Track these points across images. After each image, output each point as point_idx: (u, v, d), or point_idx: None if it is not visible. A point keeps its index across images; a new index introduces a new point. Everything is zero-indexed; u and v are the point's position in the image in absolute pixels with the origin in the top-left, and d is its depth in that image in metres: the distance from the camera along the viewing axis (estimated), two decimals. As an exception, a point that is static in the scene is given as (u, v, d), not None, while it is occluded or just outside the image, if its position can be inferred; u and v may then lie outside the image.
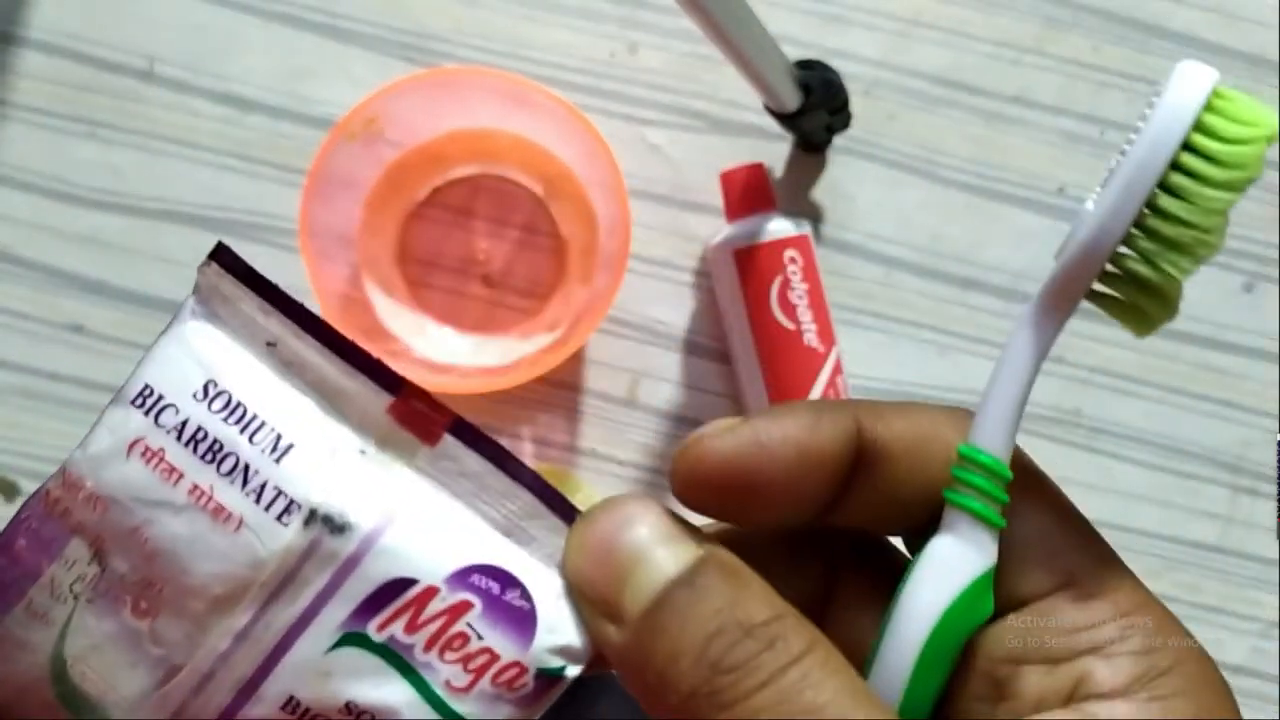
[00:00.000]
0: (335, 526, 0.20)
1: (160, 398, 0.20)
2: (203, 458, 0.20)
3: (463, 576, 0.20)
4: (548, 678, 0.20)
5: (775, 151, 0.53)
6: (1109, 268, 0.21)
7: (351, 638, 0.20)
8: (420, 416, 0.21)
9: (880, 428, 0.22)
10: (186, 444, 0.20)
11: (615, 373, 0.52)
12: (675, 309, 0.52)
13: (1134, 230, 0.20)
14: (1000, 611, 0.22)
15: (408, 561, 0.20)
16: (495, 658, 0.20)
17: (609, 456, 0.51)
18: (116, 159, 0.52)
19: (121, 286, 0.52)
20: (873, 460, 0.22)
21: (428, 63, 0.53)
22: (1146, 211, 0.20)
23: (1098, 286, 0.21)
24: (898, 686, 0.21)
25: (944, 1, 0.53)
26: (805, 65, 0.49)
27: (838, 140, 0.53)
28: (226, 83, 0.52)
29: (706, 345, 0.52)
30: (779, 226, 0.49)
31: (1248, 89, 0.53)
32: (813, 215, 0.52)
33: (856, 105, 0.51)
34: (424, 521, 0.20)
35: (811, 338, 0.49)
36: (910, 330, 0.52)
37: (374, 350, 0.48)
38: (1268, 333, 0.53)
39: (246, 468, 0.20)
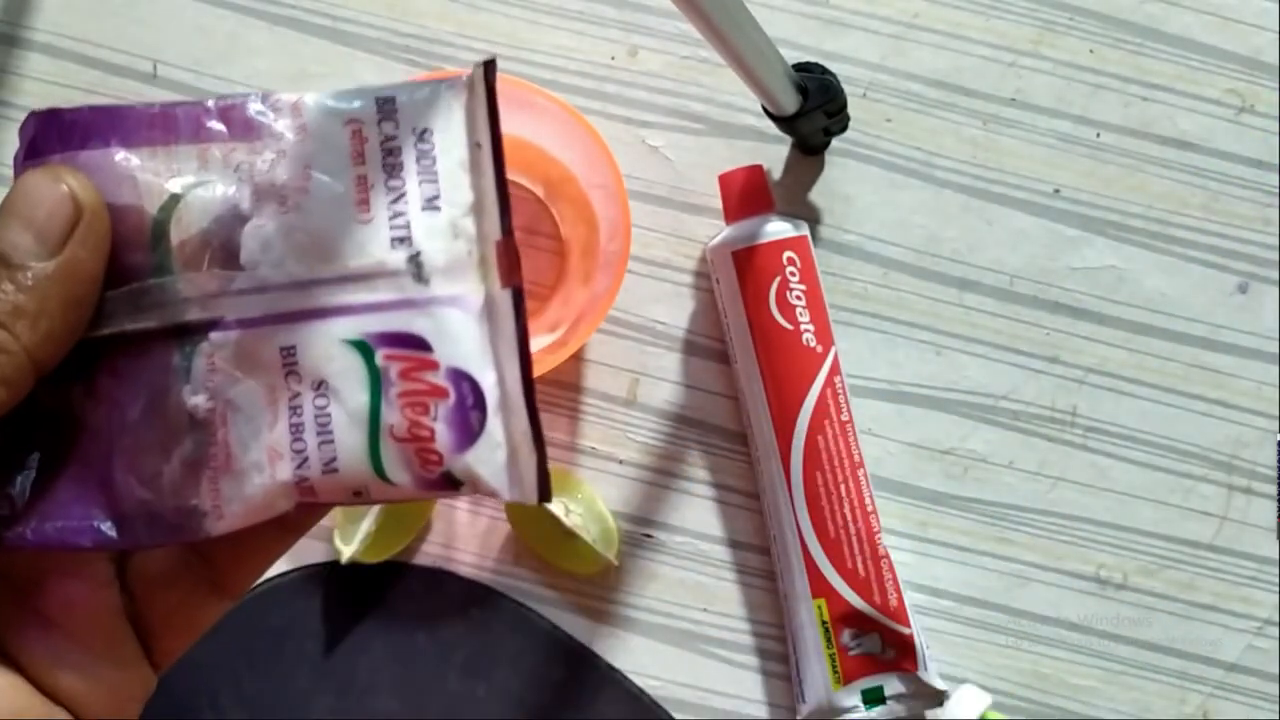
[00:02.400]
0: (421, 276, 0.24)
1: (394, 112, 0.25)
2: (383, 165, 0.24)
3: (457, 376, 0.24)
4: (447, 483, 0.24)
5: (774, 154, 0.53)
6: None
7: (364, 347, 0.24)
8: (511, 263, 0.24)
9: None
10: (383, 149, 0.24)
11: (615, 373, 0.52)
12: (675, 309, 0.53)
13: None
14: None
15: (435, 335, 0.24)
16: (430, 439, 0.24)
17: (609, 456, 0.52)
18: (121, 161, 0.53)
19: (126, 287, 0.52)
20: None
21: (430, 66, 0.53)
22: None
23: None
24: None
25: (941, 5, 0.54)
26: (803, 68, 0.50)
27: (835, 142, 0.53)
28: (231, 85, 0.53)
29: (706, 345, 0.52)
30: (777, 228, 0.49)
31: (1245, 91, 0.54)
32: (811, 217, 0.53)
33: (854, 108, 0.52)
34: (463, 323, 0.24)
35: (810, 338, 0.49)
36: (907, 330, 0.53)
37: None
38: (1262, 332, 0.53)
39: (402, 196, 0.24)
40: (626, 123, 0.53)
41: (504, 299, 0.24)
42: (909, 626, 0.48)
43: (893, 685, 0.48)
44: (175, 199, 0.24)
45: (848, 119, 0.51)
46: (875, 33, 0.53)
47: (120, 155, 0.24)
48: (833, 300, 0.52)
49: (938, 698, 0.49)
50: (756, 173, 0.50)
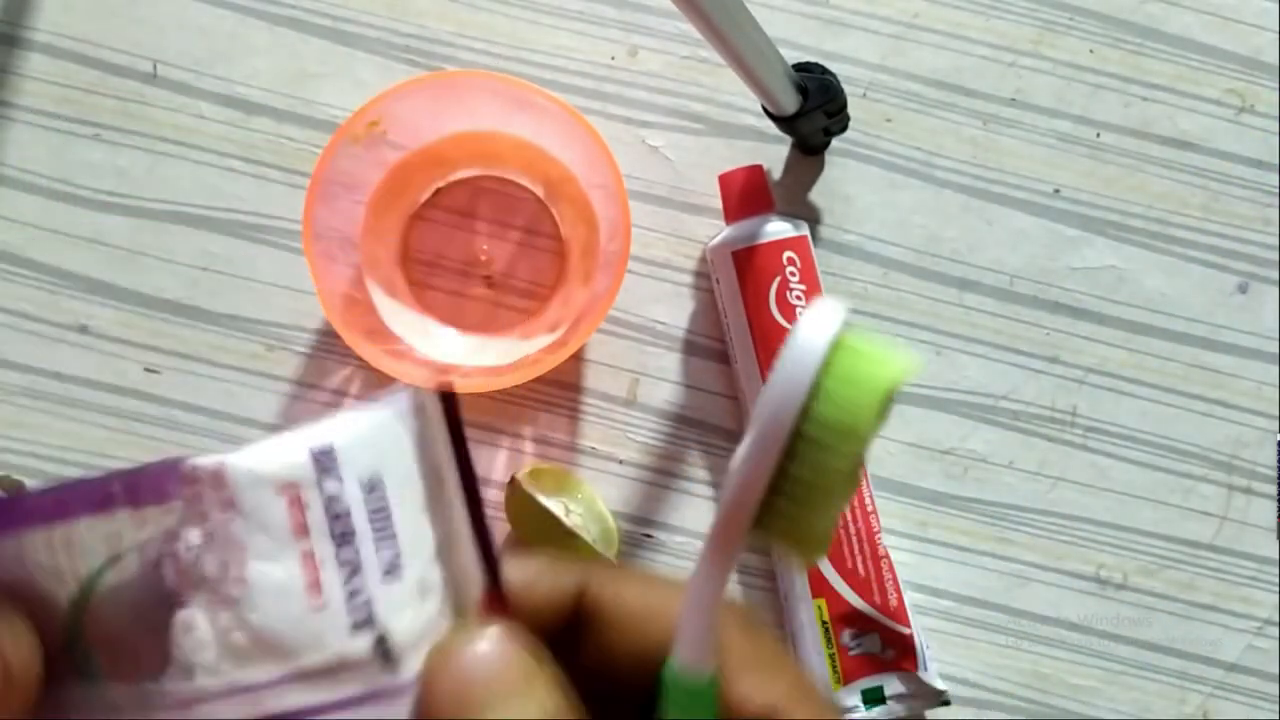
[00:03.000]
0: (391, 661, 0.21)
1: (334, 465, 0.21)
2: (331, 536, 0.21)
3: None
4: None
5: (774, 153, 0.53)
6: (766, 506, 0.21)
7: None
8: (500, 613, 0.21)
9: (607, 593, 0.23)
10: (328, 515, 0.21)
11: (615, 373, 0.52)
12: (675, 309, 0.53)
13: (778, 481, 0.21)
14: None
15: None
16: None
17: (609, 456, 0.52)
18: (121, 161, 0.53)
19: (126, 287, 0.52)
20: (591, 623, 0.23)
21: (430, 66, 0.53)
22: (785, 464, 0.21)
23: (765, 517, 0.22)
24: None
25: (941, 5, 0.54)
26: (803, 68, 0.50)
27: (835, 142, 0.53)
28: (231, 85, 0.53)
29: (706, 345, 0.52)
30: (777, 228, 0.49)
31: (1245, 91, 0.54)
32: (811, 216, 0.53)
33: (854, 108, 0.52)
34: None
35: (810, 338, 0.49)
36: (907, 330, 0.53)
37: (376, 351, 0.49)
38: (1262, 332, 0.53)
39: (360, 569, 0.21)
40: (626, 123, 0.53)
41: None
42: (909, 626, 0.48)
43: (893, 685, 0.48)
44: (85, 592, 0.20)
45: (848, 119, 0.51)
46: (875, 33, 0.53)
47: (12, 546, 0.20)
48: (833, 300, 0.52)
49: (938, 697, 0.49)
50: (756, 173, 0.50)
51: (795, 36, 0.53)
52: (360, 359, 0.48)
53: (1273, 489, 0.53)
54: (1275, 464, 0.53)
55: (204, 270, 0.52)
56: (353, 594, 0.21)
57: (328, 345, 0.52)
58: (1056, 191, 0.53)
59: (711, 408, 0.52)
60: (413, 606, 0.21)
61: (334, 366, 0.52)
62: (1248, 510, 0.53)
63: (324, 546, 0.20)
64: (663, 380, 0.52)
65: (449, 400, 0.21)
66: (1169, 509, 0.52)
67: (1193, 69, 0.54)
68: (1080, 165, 0.53)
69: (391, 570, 0.21)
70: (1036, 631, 0.52)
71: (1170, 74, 0.54)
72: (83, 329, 0.52)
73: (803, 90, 0.48)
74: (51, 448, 0.52)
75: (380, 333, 0.50)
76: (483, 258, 0.52)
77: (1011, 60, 0.54)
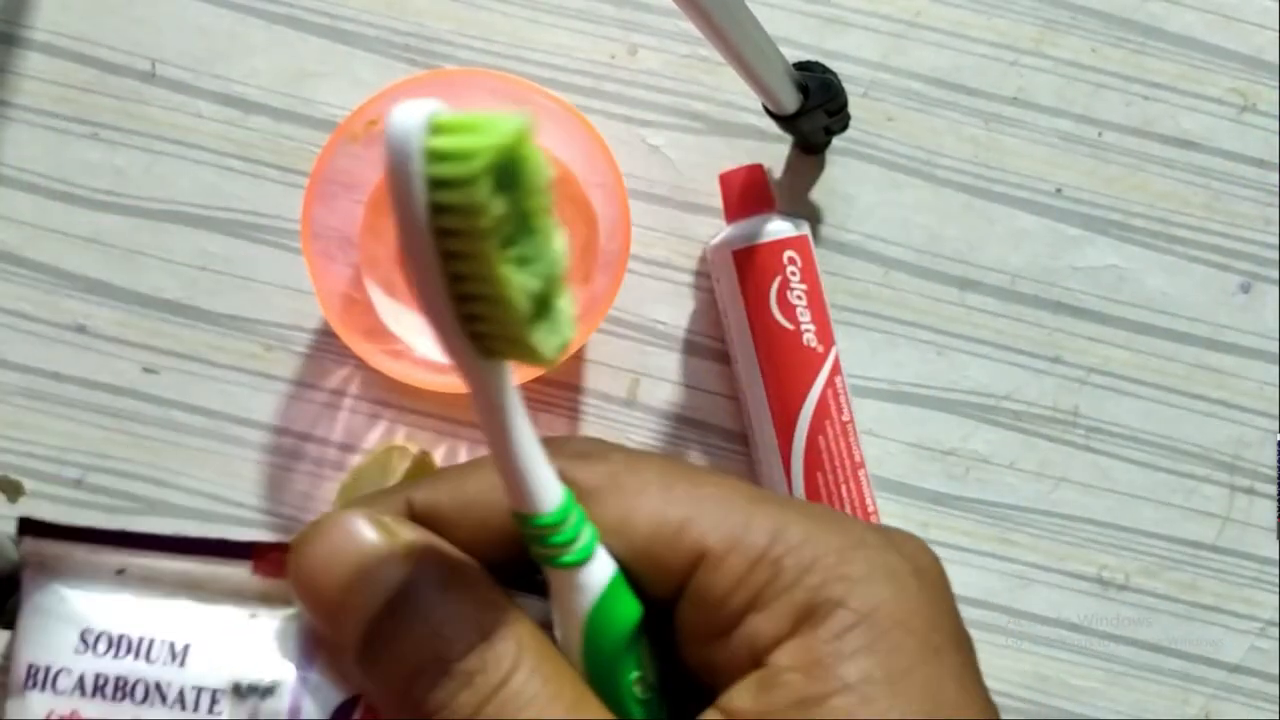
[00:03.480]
0: (264, 690, 0.20)
1: (47, 668, 0.21)
2: (114, 698, 0.20)
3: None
4: None
5: (774, 153, 0.53)
6: (480, 328, 0.20)
7: None
8: (284, 563, 0.21)
9: (432, 500, 0.23)
10: (93, 694, 0.20)
11: (615, 373, 0.52)
12: (675, 309, 0.52)
13: (466, 296, 0.19)
14: (671, 602, 0.22)
15: (342, 688, 0.21)
16: None
17: (609, 456, 0.52)
18: (119, 160, 0.52)
19: (124, 287, 0.52)
20: (439, 533, 0.22)
21: (429, 64, 0.53)
22: (456, 274, 0.19)
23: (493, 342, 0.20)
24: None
25: (942, 3, 0.53)
26: (804, 67, 0.49)
27: (836, 141, 0.53)
28: (229, 84, 0.53)
29: (706, 345, 0.52)
30: (778, 227, 0.49)
31: (1248, 90, 0.53)
32: (811, 216, 0.53)
33: (855, 107, 0.52)
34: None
35: (810, 338, 0.49)
36: (908, 330, 0.52)
37: (375, 350, 0.48)
38: (1265, 332, 0.53)
39: (158, 685, 0.20)
40: (626, 121, 0.53)
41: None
42: (910, 627, 0.48)
43: (894, 686, 0.48)
44: None
45: (849, 118, 0.51)
46: (876, 31, 0.53)
47: None
48: (834, 300, 0.52)
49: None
50: (757, 172, 0.50)
51: (796, 35, 0.53)
52: (359, 359, 0.48)
53: (1275, 489, 0.52)
54: (1277, 464, 0.52)
55: (202, 270, 0.52)
56: (180, 700, 0.20)
57: (326, 345, 0.52)
58: (1058, 191, 0.53)
59: (711, 408, 0.52)
60: (228, 647, 0.21)
61: (332, 366, 0.52)
62: (1250, 511, 0.52)
63: (120, 710, 0.20)
64: (663, 380, 0.52)
65: (35, 528, 0.21)
66: (1171, 509, 0.52)
67: (1195, 68, 0.54)
68: (1082, 164, 0.53)
69: (177, 653, 0.21)
70: (1038, 632, 0.52)
71: (1172, 73, 0.54)
72: (80, 329, 0.52)
73: (803, 89, 0.47)
74: (49, 448, 0.51)
75: (379, 332, 0.49)
76: (482, 257, 0.52)
77: (1013, 59, 0.53)
